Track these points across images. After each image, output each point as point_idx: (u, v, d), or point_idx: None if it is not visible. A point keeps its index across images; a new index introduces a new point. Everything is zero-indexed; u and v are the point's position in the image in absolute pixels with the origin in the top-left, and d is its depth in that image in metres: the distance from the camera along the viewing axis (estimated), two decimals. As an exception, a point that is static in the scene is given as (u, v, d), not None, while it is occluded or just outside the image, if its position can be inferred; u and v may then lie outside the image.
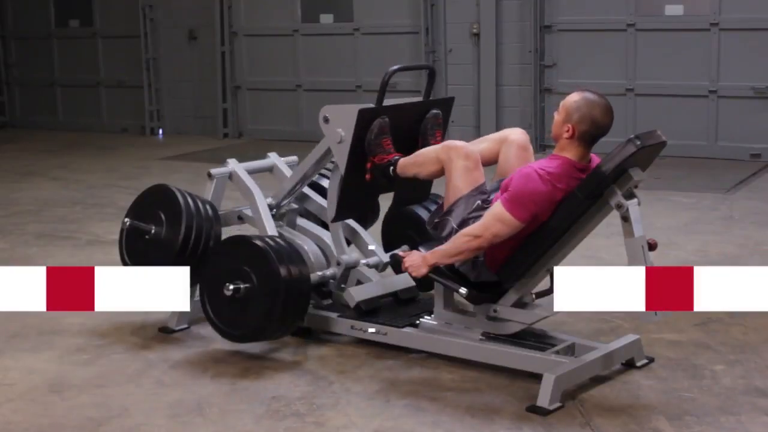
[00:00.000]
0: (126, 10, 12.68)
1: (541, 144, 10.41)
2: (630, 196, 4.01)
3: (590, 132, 4.08)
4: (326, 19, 11.62)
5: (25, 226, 7.60)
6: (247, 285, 4.50)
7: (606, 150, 4.05)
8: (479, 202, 4.30)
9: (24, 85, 13.83)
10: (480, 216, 4.24)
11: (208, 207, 4.95)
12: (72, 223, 7.67)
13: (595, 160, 4.17)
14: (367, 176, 4.71)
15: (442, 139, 4.85)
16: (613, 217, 4.13)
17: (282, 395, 4.23)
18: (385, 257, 5.02)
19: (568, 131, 4.10)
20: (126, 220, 5.00)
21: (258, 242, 4.57)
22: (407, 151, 4.71)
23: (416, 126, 4.85)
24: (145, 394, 4.30)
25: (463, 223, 4.29)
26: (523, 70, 10.49)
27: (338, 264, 4.93)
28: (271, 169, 5.34)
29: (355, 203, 4.87)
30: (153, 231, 4.89)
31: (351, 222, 5.11)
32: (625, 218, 3.98)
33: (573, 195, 4.05)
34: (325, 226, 5.11)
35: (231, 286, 4.50)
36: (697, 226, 7.10)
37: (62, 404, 4.21)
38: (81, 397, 4.28)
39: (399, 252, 4.80)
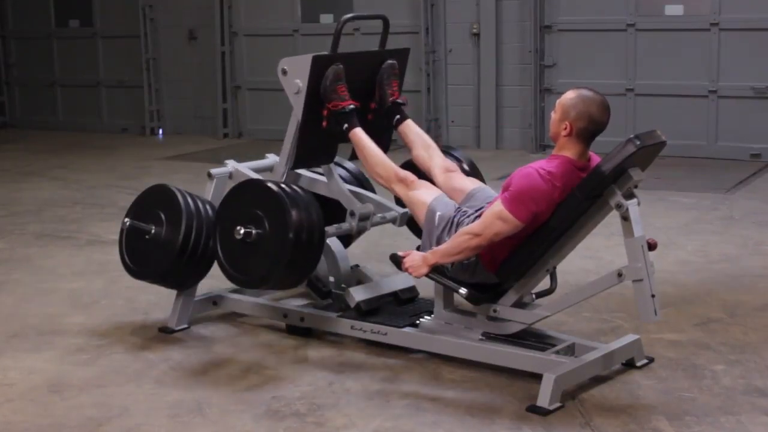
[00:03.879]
0: (126, 10, 12.67)
1: (541, 144, 10.42)
2: (630, 196, 4.01)
3: (588, 129, 4.09)
4: (326, 19, 11.61)
5: (25, 226, 7.60)
6: (258, 230, 4.47)
7: (606, 150, 4.05)
8: (456, 218, 4.39)
9: (24, 85, 13.82)
10: (449, 227, 4.36)
11: (208, 207, 4.94)
12: (72, 223, 7.67)
13: (595, 159, 4.18)
14: (324, 123, 4.75)
15: (400, 91, 4.93)
16: (613, 217, 4.14)
17: (282, 395, 4.23)
18: (401, 210, 4.97)
19: (566, 129, 4.11)
20: (126, 220, 4.99)
21: (272, 186, 4.53)
22: (363, 99, 4.78)
23: (372, 76, 4.92)
24: (145, 394, 4.30)
25: (438, 241, 4.39)
26: (523, 70, 10.49)
27: (352, 214, 4.84)
28: (270, 169, 5.33)
29: (313, 151, 4.89)
30: (153, 231, 4.89)
31: (354, 187, 5.09)
32: (625, 218, 3.98)
33: (573, 195, 4.05)
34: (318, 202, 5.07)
35: (242, 230, 4.48)
36: (697, 226, 7.10)
37: (62, 404, 4.21)
38: (81, 397, 4.28)
39: (399, 252, 4.80)
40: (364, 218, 4.86)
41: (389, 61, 4.94)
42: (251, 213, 4.49)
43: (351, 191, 5.01)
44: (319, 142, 4.88)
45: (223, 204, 4.69)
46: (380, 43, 5.11)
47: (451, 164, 4.77)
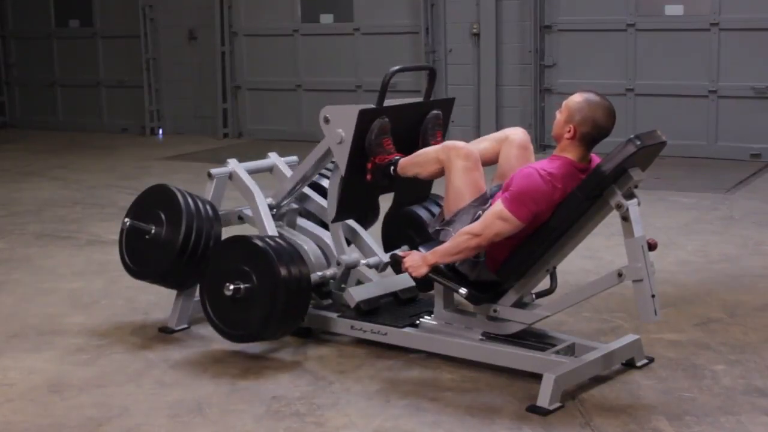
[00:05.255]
0: (126, 10, 12.69)
1: (541, 144, 10.40)
2: (630, 196, 4.01)
3: (591, 134, 4.09)
4: (326, 19, 11.62)
5: (25, 226, 7.60)
6: (247, 285, 4.50)
7: (606, 150, 4.05)
8: (480, 212, 4.30)
9: (24, 85, 13.83)
10: None
11: (208, 207, 4.95)
12: (72, 223, 7.67)
13: (596, 160, 4.17)
14: (368, 176, 4.71)
15: (443, 140, 4.86)
16: (613, 217, 4.14)
17: (282, 395, 4.23)
18: (385, 257, 5.02)
19: (569, 132, 4.10)
20: (126, 220, 5.00)
21: (258, 242, 4.57)
22: (408, 151, 4.72)
23: (417, 126, 4.86)
24: (145, 394, 4.30)
25: None
26: (523, 70, 10.49)
27: (338, 264, 4.93)
28: (271, 169, 5.34)
29: (355, 204, 4.87)
30: (153, 231, 4.89)
31: (351, 222, 5.11)
32: (625, 218, 3.98)
33: (573, 195, 4.05)
34: (325, 226, 5.12)
35: (231, 286, 4.51)
36: (697, 226, 7.10)
37: (62, 404, 4.21)
38: (81, 397, 4.28)
39: (399, 252, 4.80)
40: (350, 267, 4.92)
41: (434, 112, 4.87)
42: (239, 269, 4.53)
43: (347, 227, 5.06)
44: (361, 194, 4.84)
45: (210, 262, 4.71)
46: (425, 94, 5.05)
47: (529, 143, 4.61)
